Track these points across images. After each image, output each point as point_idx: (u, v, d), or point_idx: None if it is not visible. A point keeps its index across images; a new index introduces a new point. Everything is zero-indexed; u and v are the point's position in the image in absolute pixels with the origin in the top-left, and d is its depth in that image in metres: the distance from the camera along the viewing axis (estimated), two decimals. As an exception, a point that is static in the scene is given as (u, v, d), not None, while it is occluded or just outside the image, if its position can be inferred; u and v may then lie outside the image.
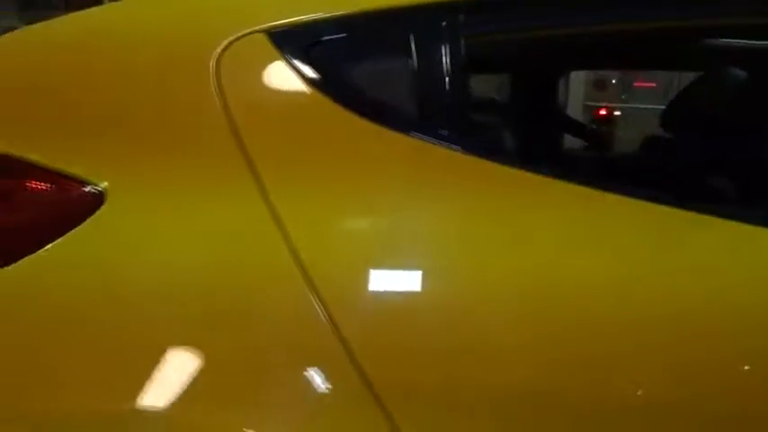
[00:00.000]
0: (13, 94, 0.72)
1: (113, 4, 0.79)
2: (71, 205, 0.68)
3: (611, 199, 0.69)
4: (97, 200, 0.67)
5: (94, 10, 0.78)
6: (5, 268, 0.66)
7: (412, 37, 0.71)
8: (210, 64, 0.69)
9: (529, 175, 0.69)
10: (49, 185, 0.69)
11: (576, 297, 0.67)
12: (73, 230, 0.66)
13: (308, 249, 0.66)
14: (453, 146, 0.70)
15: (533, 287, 0.68)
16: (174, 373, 0.65)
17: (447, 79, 0.72)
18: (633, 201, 0.69)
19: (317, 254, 0.67)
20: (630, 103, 4.90)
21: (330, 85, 0.70)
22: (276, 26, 0.70)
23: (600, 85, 4.81)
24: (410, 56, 0.71)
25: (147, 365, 0.65)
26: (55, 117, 0.71)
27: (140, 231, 0.68)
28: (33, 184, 0.69)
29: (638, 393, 0.66)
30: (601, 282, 0.68)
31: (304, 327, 0.67)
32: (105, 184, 0.67)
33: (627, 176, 0.74)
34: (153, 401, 0.64)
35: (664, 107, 1.24)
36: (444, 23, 0.72)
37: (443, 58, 0.72)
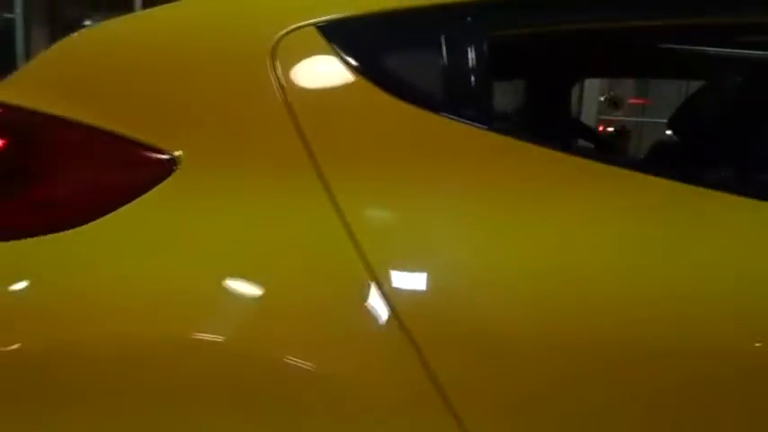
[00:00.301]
0: (95, 77, 0.80)
1: (174, 3, 0.89)
2: (146, 170, 0.74)
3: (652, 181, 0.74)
4: (170, 166, 0.74)
5: (160, 9, 0.87)
6: (85, 226, 0.73)
7: (447, 31, 0.77)
8: (266, 56, 0.75)
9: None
10: (124, 151, 0.75)
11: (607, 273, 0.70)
12: (147, 192, 0.73)
13: (370, 239, 0.70)
14: (501, 131, 0.75)
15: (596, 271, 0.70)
16: (230, 319, 0.71)
17: (484, 67, 0.76)
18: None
19: (379, 244, 0.71)
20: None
21: (378, 74, 0.75)
22: (326, 20, 0.77)
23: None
24: (448, 47, 0.77)
25: (205, 307, 0.71)
26: (131, 100, 0.77)
27: (207, 202, 0.73)
28: (111, 149, 0.76)
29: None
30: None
31: (368, 323, 0.69)
32: (179, 152, 0.74)
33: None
34: (207, 335, 0.70)
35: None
36: (477, 19, 0.78)
37: (481, 49, 0.77)
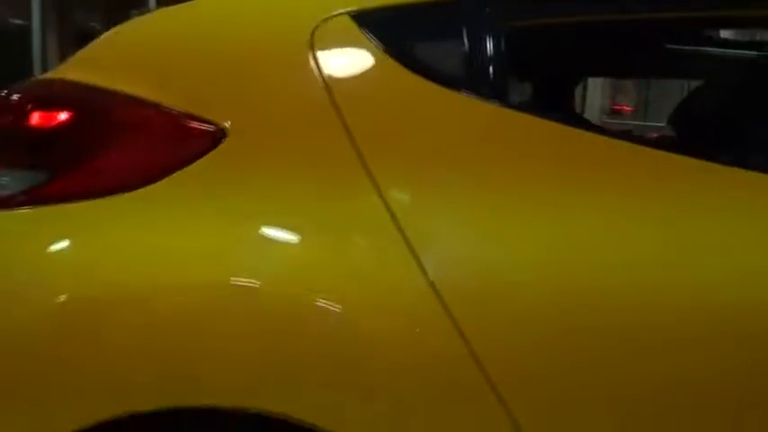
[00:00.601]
0: (150, 60, 0.87)
1: None
2: (197, 139, 0.81)
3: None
4: (219, 136, 0.80)
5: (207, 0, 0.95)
6: (137, 190, 0.80)
7: (471, 19, 0.83)
8: (306, 42, 0.81)
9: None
10: (178, 122, 0.82)
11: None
12: (198, 160, 0.79)
13: (404, 209, 0.75)
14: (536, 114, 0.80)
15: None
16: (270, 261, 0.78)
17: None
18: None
19: (413, 215, 0.75)
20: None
21: (406, 58, 0.81)
22: (358, 9, 0.83)
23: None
24: (469, 34, 0.83)
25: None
26: (183, 80, 0.85)
27: (251, 169, 0.79)
28: (165, 120, 0.82)
29: None
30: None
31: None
32: (228, 123, 0.80)
33: None
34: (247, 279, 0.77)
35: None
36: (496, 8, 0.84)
37: (500, 35, 0.82)
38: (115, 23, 0.94)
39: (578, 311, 0.73)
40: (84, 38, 0.98)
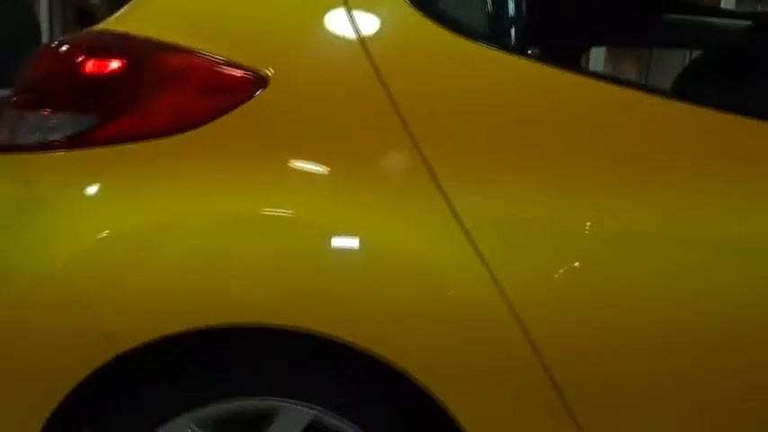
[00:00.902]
0: (195, 13, 0.92)
1: None
2: (239, 87, 0.85)
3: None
4: (261, 84, 0.84)
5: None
6: (182, 134, 0.85)
7: None
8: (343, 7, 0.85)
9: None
10: (222, 70, 0.86)
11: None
12: (240, 106, 0.84)
13: (446, 169, 0.80)
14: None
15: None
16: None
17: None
18: None
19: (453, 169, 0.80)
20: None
21: (436, 13, 0.85)
22: None
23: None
24: None
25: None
26: (227, 31, 0.89)
27: (291, 115, 0.84)
28: (210, 67, 0.86)
29: None
30: None
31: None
32: (270, 71, 0.84)
33: None
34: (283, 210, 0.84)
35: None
36: None
37: None
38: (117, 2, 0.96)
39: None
40: (85, 14, 1.01)
